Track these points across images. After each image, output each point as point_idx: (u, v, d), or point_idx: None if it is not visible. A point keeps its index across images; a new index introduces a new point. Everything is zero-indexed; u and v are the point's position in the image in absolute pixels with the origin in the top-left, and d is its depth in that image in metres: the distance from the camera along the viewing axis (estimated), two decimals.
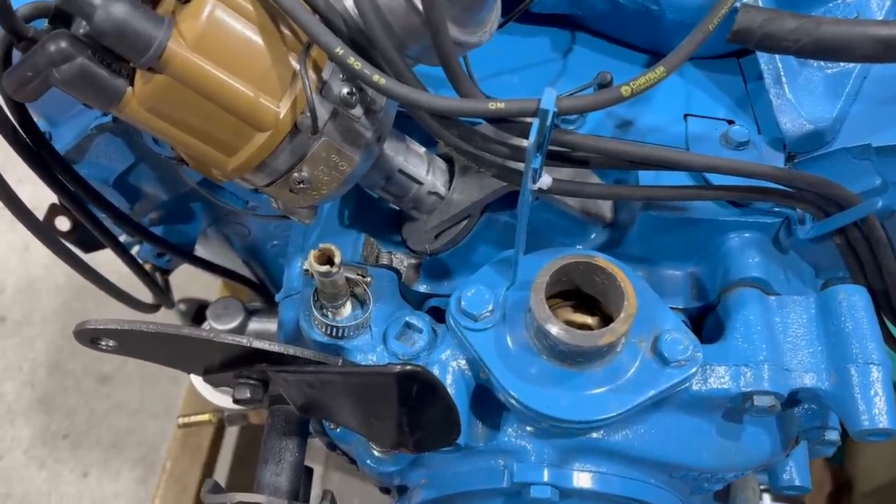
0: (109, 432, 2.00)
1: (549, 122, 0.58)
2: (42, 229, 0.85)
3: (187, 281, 1.82)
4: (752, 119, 0.81)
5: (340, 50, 0.59)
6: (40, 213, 0.91)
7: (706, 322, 0.82)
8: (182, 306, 1.39)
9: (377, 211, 0.86)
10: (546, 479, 0.71)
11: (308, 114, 0.61)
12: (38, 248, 2.37)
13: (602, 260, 0.67)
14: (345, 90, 0.62)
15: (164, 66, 0.57)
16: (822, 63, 0.77)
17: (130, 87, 0.59)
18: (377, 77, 0.59)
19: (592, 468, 0.73)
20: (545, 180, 0.64)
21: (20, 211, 0.80)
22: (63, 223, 1.07)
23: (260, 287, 1.28)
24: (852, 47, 0.62)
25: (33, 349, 2.11)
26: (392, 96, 0.60)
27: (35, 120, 0.77)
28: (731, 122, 0.80)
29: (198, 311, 1.42)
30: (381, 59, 0.62)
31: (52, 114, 0.82)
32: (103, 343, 0.67)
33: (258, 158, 0.63)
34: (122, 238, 1.02)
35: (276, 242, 1.07)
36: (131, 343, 0.67)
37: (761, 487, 1.01)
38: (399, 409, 0.65)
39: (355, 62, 0.59)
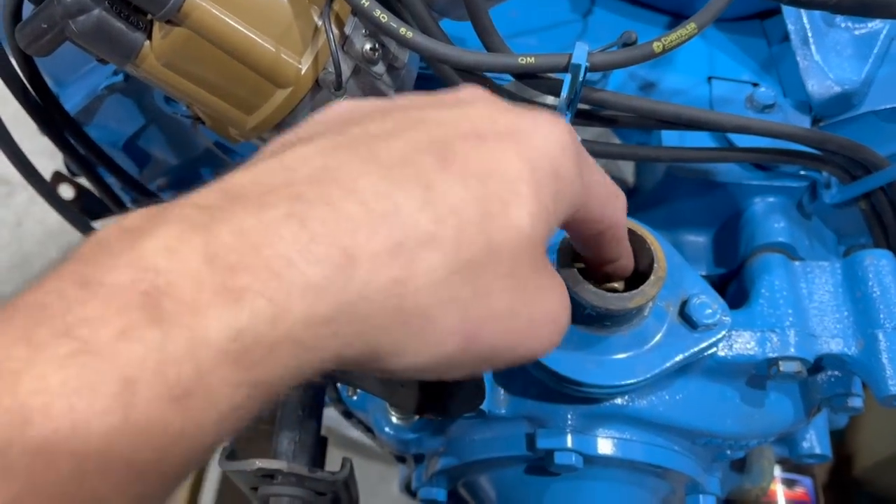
0: None
1: (581, 78, 0.57)
2: (53, 195, 0.83)
3: None
4: (777, 82, 0.79)
5: (366, 2, 0.57)
6: None
7: (728, 289, 0.81)
8: None
9: None
10: (570, 445, 0.70)
11: (331, 70, 0.60)
12: (32, 223, 2.33)
13: (631, 222, 0.66)
14: (367, 46, 0.61)
15: (184, 19, 0.55)
16: (849, 24, 0.76)
17: (148, 41, 0.57)
18: (404, 30, 0.57)
19: (616, 434, 0.72)
20: None
21: (30, 174, 0.77)
22: (66, 191, 1.05)
23: None
24: (891, 2, 0.60)
25: None
26: (419, 50, 0.58)
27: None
28: (755, 85, 0.78)
29: None
30: (406, 12, 0.61)
31: (60, 74, 0.80)
32: None
33: (278, 116, 0.61)
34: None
35: None
36: None
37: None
38: None
39: (381, 14, 0.57)
